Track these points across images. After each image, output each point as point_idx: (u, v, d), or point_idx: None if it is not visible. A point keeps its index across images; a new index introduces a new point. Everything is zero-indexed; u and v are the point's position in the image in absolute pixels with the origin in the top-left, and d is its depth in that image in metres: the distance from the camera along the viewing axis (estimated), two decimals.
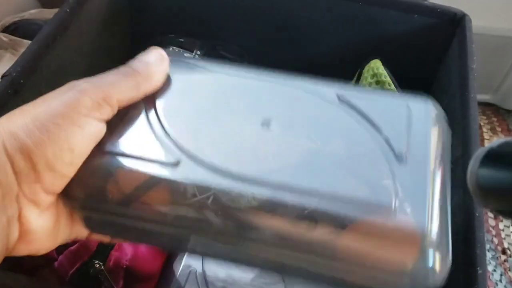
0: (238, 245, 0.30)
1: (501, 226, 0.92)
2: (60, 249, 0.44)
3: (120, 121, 0.31)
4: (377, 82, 0.53)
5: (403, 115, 0.34)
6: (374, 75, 0.53)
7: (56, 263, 0.45)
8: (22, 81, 0.42)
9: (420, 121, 0.34)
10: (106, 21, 0.56)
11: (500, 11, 0.86)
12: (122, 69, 0.32)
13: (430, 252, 0.28)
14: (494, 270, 0.85)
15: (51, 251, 0.44)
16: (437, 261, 0.28)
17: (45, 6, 0.86)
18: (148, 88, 0.33)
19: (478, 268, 0.33)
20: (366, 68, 0.55)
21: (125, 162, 0.30)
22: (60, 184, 0.29)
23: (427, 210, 0.29)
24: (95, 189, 0.30)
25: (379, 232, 0.28)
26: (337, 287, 0.35)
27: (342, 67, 0.58)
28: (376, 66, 0.54)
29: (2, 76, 0.41)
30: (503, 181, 0.26)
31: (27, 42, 0.74)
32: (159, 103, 0.33)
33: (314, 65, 0.61)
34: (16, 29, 0.78)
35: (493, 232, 0.91)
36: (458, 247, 0.36)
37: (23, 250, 0.29)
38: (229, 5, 0.59)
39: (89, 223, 0.32)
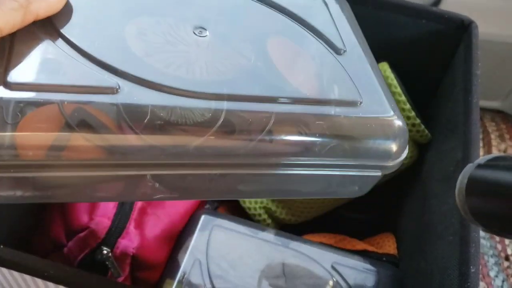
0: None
1: None
2: (70, 235, 0.46)
3: (7, 52, 0.25)
4: None
5: (322, 7, 0.36)
6: None
7: (65, 249, 0.46)
8: None
9: (338, 9, 0.36)
10: None
11: (511, 18, 0.86)
12: None
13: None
14: (496, 276, 0.85)
15: (61, 237, 0.46)
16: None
17: None
18: (41, 10, 0.26)
19: (472, 267, 0.34)
20: None
21: (41, 95, 0.24)
22: None
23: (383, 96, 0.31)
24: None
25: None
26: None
27: None
28: (384, 69, 0.55)
29: None
30: (490, 196, 0.26)
31: None
32: (66, 27, 0.27)
33: None
34: None
35: (497, 239, 0.91)
36: (454, 246, 0.37)
37: None
38: None
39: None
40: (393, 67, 0.55)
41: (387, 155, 0.30)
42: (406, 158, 0.57)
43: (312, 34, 0.33)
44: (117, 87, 0.25)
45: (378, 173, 0.31)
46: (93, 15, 0.28)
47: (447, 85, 0.55)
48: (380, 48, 0.58)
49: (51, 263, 0.36)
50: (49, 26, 0.26)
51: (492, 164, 0.26)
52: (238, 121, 0.26)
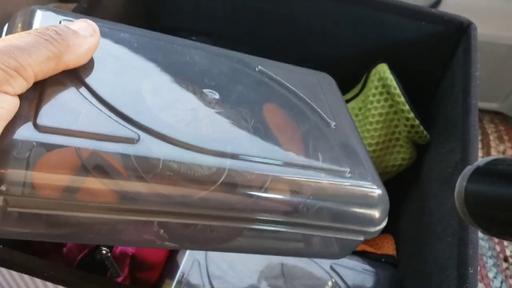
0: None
1: None
2: None
3: (38, 96, 0.27)
4: (383, 86, 0.54)
5: (316, 85, 0.40)
6: (381, 79, 0.55)
7: (64, 249, 0.46)
8: None
9: (329, 88, 0.41)
10: (122, 18, 0.58)
11: (510, 20, 0.87)
12: (42, 31, 0.27)
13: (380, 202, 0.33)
14: (495, 277, 0.85)
15: None
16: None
17: (63, 1, 0.88)
18: (71, 61, 0.28)
19: (470, 268, 0.34)
20: (373, 72, 0.56)
21: (65, 139, 0.26)
22: None
23: (368, 168, 0.34)
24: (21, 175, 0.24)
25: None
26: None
27: (349, 70, 0.60)
28: (383, 70, 0.55)
29: None
30: (489, 199, 0.26)
31: None
32: (90, 77, 0.29)
33: (323, 67, 0.62)
34: None
35: (496, 240, 0.91)
36: (452, 247, 0.37)
37: None
38: (243, 6, 0.60)
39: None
40: (392, 68, 0.55)
41: (370, 221, 0.32)
42: (405, 159, 0.57)
43: (306, 108, 0.37)
44: (137, 138, 0.27)
45: (361, 238, 0.33)
46: (113, 68, 0.31)
47: (446, 86, 0.55)
48: (380, 49, 0.59)
49: (50, 263, 0.36)
50: (74, 75, 0.29)
51: (491, 166, 0.26)
52: (239, 178, 0.29)
